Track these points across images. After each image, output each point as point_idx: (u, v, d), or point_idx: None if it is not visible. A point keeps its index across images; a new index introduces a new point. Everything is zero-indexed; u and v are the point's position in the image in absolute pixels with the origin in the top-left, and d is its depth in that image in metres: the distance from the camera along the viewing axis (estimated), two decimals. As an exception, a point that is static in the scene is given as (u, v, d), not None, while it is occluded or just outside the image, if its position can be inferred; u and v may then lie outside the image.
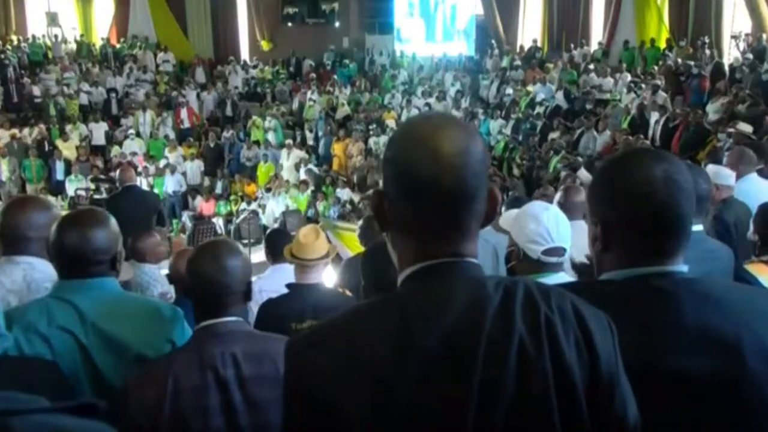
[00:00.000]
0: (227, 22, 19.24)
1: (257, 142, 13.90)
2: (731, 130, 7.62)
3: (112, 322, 1.66)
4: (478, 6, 18.83)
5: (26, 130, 13.33)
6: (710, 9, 13.81)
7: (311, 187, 11.90)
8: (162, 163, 12.62)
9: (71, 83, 15.51)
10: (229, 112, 15.45)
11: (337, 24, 19.51)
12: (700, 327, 1.08)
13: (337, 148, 13.47)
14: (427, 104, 14.39)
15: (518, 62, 16.13)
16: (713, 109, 10.23)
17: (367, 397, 0.84)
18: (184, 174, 12.62)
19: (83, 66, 16.69)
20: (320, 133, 14.26)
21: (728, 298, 1.13)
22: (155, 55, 17.85)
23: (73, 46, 18.21)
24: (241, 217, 11.51)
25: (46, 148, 12.86)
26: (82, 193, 11.15)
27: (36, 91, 15.18)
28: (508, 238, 2.12)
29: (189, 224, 11.37)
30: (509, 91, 14.69)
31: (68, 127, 13.62)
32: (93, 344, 1.64)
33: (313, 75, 17.40)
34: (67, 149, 12.91)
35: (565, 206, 2.87)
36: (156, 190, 11.08)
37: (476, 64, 17.75)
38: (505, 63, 16.53)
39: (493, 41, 18.01)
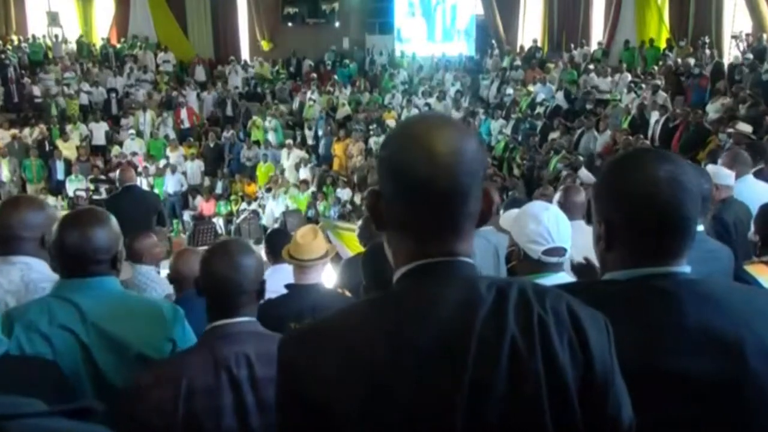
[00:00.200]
0: (227, 22, 19.23)
1: (257, 142, 13.90)
2: (731, 130, 7.62)
3: (113, 321, 1.66)
4: (478, 6, 18.84)
5: (26, 130, 13.33)
6: (710, 9, 13.82)
7: (312, 188, 11.90)
8: (162, 163, 12.62)
9: (71, 83, 15.51)
10: (229, 112, 15.45)
11: (337, 24, 19.50)
12: (702, 327, 1.08)
13: (337, 149, 13.47)
14: (427, 104, 14.40)
15: (518, 62, 16.14)
16: (713, 109, 10.23)
17: (360, 395, 0.84)
18: (184, 174, 12.62)
19: (83, 66, 16.69)
20: (320, 133, 14.26)
21: (730, 299, 1.13)
22: (155, 55, 17.85)
23: (74, 46, 18.20)
24: (242, 217, 11.53)
25: (47, 148, 12.86)
26: (82, 193, 11.15)
27: (36, 91, 15.17)
28: (508, 237, 2.12)
29: (190, 224, 11.39)
30: (509, 91, 14.70)
31: (68, 127, 13.61)
32: (94, 343, 1.64)
33: (314, 75, 17.41)
34: (68, 149, 12.91)
35: (565, 206, 2.87)
36: (156, 190, 11.07)
37: (476, 64, 17.76)
38: (505, 63, 16.53)
39: (494, 41, 18.01)
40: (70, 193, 11.66)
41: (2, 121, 13.52)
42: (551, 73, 14.74)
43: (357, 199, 11.28)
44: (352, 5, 19.33)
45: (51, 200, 11.12)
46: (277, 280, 3.02)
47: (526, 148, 11.76)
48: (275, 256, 3.40)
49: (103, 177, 11.60)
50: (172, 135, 14.03)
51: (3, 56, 15.61)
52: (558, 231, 1.94)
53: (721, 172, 3.50)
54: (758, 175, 3.99)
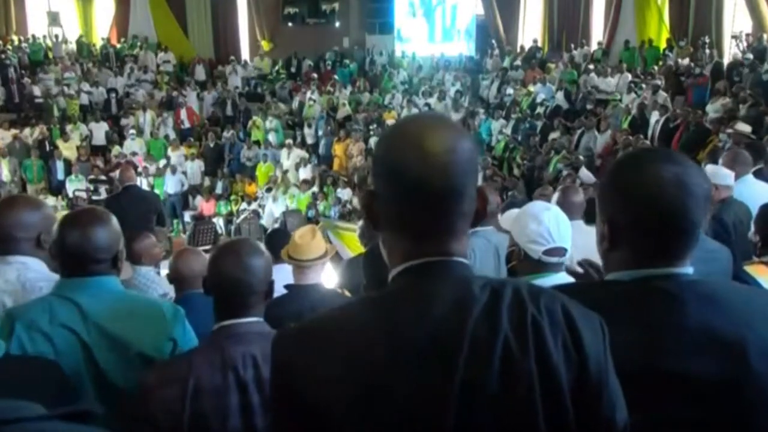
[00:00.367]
0: (227, 21, 19.22)
1: (257, 142, 13.90)
2: (731, 131, 7.62)
3: (114, 320, 1.66)
4: (478, 6, 18.84)
5: (27, 130, 13.33)
6: (710, 9, 13.80)
7: (313, 188, 11.89)
8: (162, 162, 12.62)
9: (71, 83, 15.51)
10: (229, 112, 15.45)
11: (337, 24, 19.50)
12: (704, 328, 1.08)
13: (338, 149, 13.47)
14: (427, 104, 14.40)
15: (518, 62, 16.14)
16: (713, 109, 10.23)
17: (354, 394, 0.84)
18: (184, 173, 12.62)
19: (84, 66, 16.69)
20: (320, 132, 14.26)
21: (732, 300, 1.13)
22: (156, 55, 17.85)
23: (74, 46, 18.20)
24: (242, 217, 11.52)
25: (47, 149, 12.86)
26: (81, 194, 11.14)
27: (36, 91, 15.16)
28: (508, 237, 2.12)
29: (190, 224, 11.39)
30: (510, 91, 14.70)
31: (69, 127, 13.61)
32: (95, 342, 1.64)
33: (314, 75, 17.41)
34: (68, 149, 12.91)
35: (563, 206, 2.86)
36: (156, 190, 11.07)
37: (476, 64, 17.76)
38: (505, 63, 16.53)
39: (494, 41, 18.01)
40: (70, 194, 11.66)
41: (3, 121, 13.52)
42: (551, 73, 14.75)
43: (357, 199, 11.28)
44: (352, 5, 19.33)
45: (51, 200, 11.12)
46: (277, 280, 3.01)
47: (527, 148, 11.77)
48: (275, 256, 3.38)
49: (102, 177, 11.59)
50: (173, 135, 14.03)
51: (3, 56, 15.62)
52: (558, 231, 1.94)
53: (720, 172, 3.50)
54: (758, 174, 3.99)
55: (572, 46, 16.26)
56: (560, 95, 13.45)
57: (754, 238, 2.69)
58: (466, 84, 16.18)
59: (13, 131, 13.18)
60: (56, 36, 17.80)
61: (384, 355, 0.85)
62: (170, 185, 12.20)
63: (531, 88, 14.45)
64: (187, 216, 12.15)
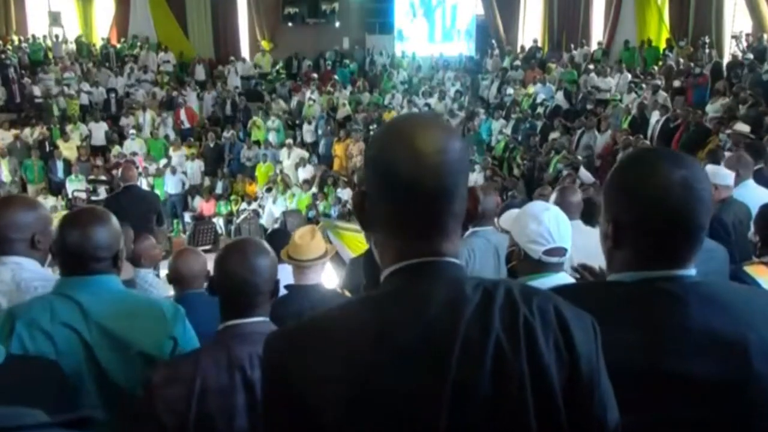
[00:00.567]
0: (227, 21, 19.21)
1: (258, 142, 13.90)
2: (730, 130, 7.63)
3: (115, 319, 1.67)
4: (478, 6, 18.84)
5: (27, 130, 13.32)
6: (710, 9, 13.80)
7: (314, 188, 11.89)
8: (162, 162, 12.62)
9: (71, 83, 15.50)
10: (229, 111, 15.44)
11: (337, 24, 19.49)
12: (707, 329, 1.08)
13: (338, 149, 13.47)
14: (427, 104, 14.39)
15: (518, 62, 16.14)
16: (713, 109, 10.24)
17: (347, 394, 0.84)
18: (185, 173, 12.62)
19: (83, 66, 16.68)
20: (320, 132, 14.26)
21: (733, 301, 1.13)
22: (156, 55, 17.84)
23: (74, 46, 18.19)
24: (242, 217, 11.52)
25: (47, 149, 12.86)
26: (80, 194, 11.14)
27: (37, 91, 15.15)
28: (508, 238, 2.12)
29: (190, 224, 11.38)
30: (510, 91, 14.70)
31: (69, 127, 13.60)
32: (96, 341, 1.64)
33: (314, 75, 17.40)
34: (68, 149, 12.90)
35: (561, 206, 2.86)
36: (156, 191, 11.06)
37: (476, 64, 17.76)
38: (505, 63, 16.53)
39: (494, 41, 18.01)
40: (70, 194, 11.64)
41: (3, 121, 13.52)
42: (551, 73, 14.74)
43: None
44: (352, 5, 19.33)
45: (51, 200, 11.13)
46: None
47: (527, 148, 11.77)
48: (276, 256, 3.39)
49: (101, 178, 11.58)
50: (173, 135, 14.03)
51: (3, 56, 15.60)
52: (559, 231, 1.94)
53: (720, 172, 3.50)
54: (758, 174, 3.99)
55: (572, 46, 16.27)
56: (560, 95, 13.45)
57: (753, 238, 2.69)
58: (466, 84, 16.19)
59: (14, 131, 13.18)
60: (56, 36, 17.79)
61: (376, 355, 0.85)
62: (170, 185, 12.20)
63: (531, 88, 14.45)
64: (187, 216, 12.15)
